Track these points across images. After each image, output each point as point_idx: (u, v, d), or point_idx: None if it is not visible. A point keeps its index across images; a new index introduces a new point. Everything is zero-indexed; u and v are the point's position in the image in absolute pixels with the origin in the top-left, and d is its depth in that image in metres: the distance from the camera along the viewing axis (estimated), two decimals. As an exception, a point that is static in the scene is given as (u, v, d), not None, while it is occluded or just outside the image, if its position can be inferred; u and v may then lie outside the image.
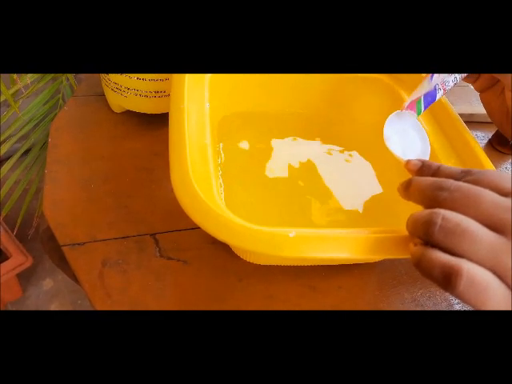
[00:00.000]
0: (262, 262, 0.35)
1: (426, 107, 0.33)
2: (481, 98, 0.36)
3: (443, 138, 0.36)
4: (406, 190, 0.24)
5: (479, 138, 0.53)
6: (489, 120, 0.58)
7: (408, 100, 0.33)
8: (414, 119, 0.34)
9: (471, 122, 0.55)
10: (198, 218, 0.25)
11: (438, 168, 0.24)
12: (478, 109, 0.58)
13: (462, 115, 0.37)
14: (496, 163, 0.50)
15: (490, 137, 0.53)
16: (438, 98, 0.33)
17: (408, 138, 0.33)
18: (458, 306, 0.36)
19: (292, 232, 0.25)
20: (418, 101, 0.33)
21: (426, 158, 0.32)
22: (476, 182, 0.21)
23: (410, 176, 0.26)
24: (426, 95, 0.33)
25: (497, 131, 0.53)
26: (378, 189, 0.40)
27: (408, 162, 0.27)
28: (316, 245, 0.25)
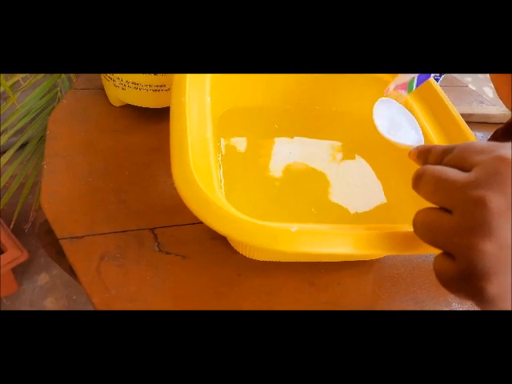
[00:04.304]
0: (261, 258, 0.35)
1: (418, 85, 0.33)
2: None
3: (432, 118, 0.36)
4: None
5: (478, 139, 0.53)
6: (488, 120, 0.58)
7: (394, 82, 0.33)
8: (398, 104, 0.34)
9: (470, 122, 0.55)
10: (199, 210, 0.25)
11: (430, 150, 0.25)
12: (477, 109, 0.58)
13: (461, 115, 0.37)
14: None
15: (488, 137, 0.53)
16: (432, 75, 0.33)
17: (398, 124, 0.33)
18: (456, 304, 0.36)
19: (294, 227, 0.25)
20: (410, 80, 0.33)
21: (419, 137, 0.32)
22: (454, 160, 0.23)
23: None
24: (420, 74, 0.32)
25: (495, 132, 0.53)
26: (376, 185, 0.40)
27: (409, 152, 0.28)
28: (318, 240, 0.25)
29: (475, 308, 0.36)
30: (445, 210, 0.21)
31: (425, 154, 0.26)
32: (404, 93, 0.33)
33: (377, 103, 0.34)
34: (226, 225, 0.24)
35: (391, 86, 0.33)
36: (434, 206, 0.22)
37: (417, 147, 0.27)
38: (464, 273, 0.20)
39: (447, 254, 0.21)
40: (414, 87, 0.33)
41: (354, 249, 0.25)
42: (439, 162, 0.24)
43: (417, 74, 0.32)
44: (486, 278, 0.19)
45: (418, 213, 0.23)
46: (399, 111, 0.34)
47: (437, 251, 0.22)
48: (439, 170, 0.22)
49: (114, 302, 0.31)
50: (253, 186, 0.38)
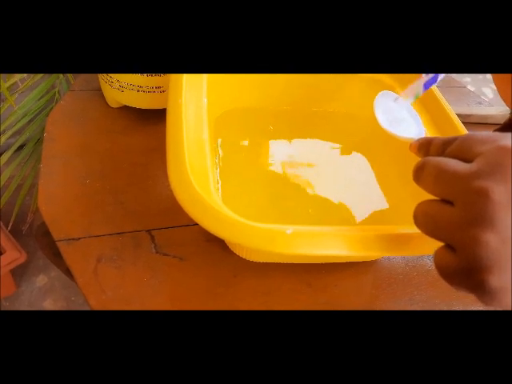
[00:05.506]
0: (258, 259, 0.35)
1: (425, 90, 0.33)
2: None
3: (428, 118, 0.37)
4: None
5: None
6: (486, 121, 0.58)
7: (407, 90, 0.33)
8: (399, 97, 0.34)
9: (468, 123, 0.55)
10: (195, 213, 0.25)
11: (431, 142, 0.25)
12: (476, 110, 0.58)
13: (459, 116, 0.37)
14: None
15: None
16: (439, 79, 0.33)
17: (399, 117, 0.33)
18: (452, 304, 0.36)
19: (289, 229, 0.25)
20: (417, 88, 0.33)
21: (421, 130, 0.32)
22: (456, 150, 0.22)
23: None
24: (425, 82, 0.32)
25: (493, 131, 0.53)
26: (374, 185, 0.40)
27: (410, 145, 0.28)
28: (313, 242, 0.25)
29: (473, 308, 0.36)
30: (446, 201, 0.21)
31: (426, 146, 0.25)
32: (412, 99, 0.33)
33: (377, 97, 0.33)
34: (222, 227, 0.24)
35: (404, 93, 0.33)
36: (435, 198, 0.22)
37: (417, 139, 0.27)
38: (465, 265, 0.19)
39: (448, 247, 0.21)
40: (421, 92, 0.33)
41: (350, 251, 0.25)
42: (440, 154, 0.23)
43: (422, 82, 0.32)
44: (487, 270, 0.19)
45: (419, 204, 0.22)
46: (399, 104, 0.34)
47: (435, 249, 0.22)
48: (440, 162, 0.22)
49: (111, 303, 0.31)
50: (250, 188, 0.38)
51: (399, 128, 0.32)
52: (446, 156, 0.22)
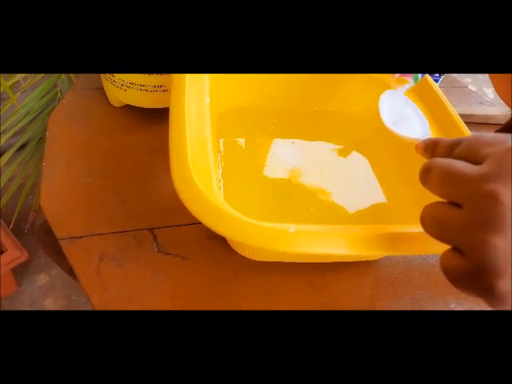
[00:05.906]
0: (260, 258, 0.35)
1: (422, 74, 0.32)
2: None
3: (430, 118, 0.36)
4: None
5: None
6: (487, 121, 0.58)
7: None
8: (404, 96, 0.33)
9: (470, 122, 0.55)
10: (198, 211, 0.25)
11: (438, 143, 0.25)
12: (477, 110, 0.58)
13: (461, 116, 0.37)
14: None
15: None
16: None
17: (404, 116, 0.33)
18: (454, 305, 0.36)
19: (292, 227, 0.25)
20: None
21: (426, 130, 0.32)
22: (463, 152, 0.22)
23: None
24: None
25: (494, 132, 0.53)
26: (375, 184, 0.40)
27: (416, 145, 0.27)
28: (316, 241, 0.25)
29: (476, 308, 0.36)
30: (454, 204, 0.21)
31: (432, 148, 0.25)
32: (410, 80, 0.33)
33: (382, 96, 0.33)
34: (225, 225, 0.24)
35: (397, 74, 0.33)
36: (442, 200, 0.22)
37: (423, 140, 0.26)
38: (474, 269, 0.19)
39: (456, 250, 0.21)
40: (420, 76, 0.32)
41: (352, 249, 0.25)
42: (447, 156, 0.23)
43: None
44: (496, 274, 0.18)
45: (426, 207, 0.22)
46: (405, 103, 0.33)
47: (436, 250, 0.22)
48: (448, 163, 0.21)
49: (113, 302, 0.31)
50: (252, 186, 0.38)
51: (404, 127, 0.32)
52: (453, 158, 0.22)
